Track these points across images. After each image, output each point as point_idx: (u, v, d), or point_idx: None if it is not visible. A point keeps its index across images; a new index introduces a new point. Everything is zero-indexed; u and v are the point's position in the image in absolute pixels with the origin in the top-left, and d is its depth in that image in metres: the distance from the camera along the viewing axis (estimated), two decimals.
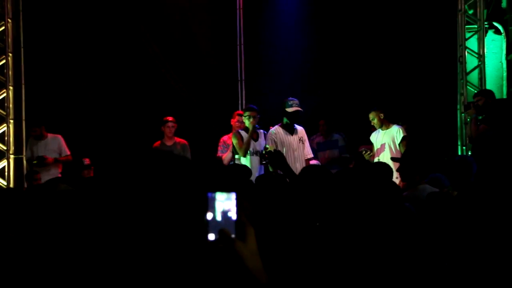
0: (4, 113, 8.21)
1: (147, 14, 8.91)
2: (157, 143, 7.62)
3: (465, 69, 8.09)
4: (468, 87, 8.04)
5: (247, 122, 6.77)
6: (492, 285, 2.38)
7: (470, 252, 2.46)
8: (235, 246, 1.31)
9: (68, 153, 7.74)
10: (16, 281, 2.19)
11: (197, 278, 1.29)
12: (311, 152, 6.93)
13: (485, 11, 8.27)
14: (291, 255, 2.40)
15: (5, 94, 8.23)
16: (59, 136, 7.79)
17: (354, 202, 2.55)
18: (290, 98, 6.68)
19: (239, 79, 8.78)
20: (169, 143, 7.62)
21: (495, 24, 8.55)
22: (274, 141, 6.57)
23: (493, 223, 2.50)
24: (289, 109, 6.62)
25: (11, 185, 8.08)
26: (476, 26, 8.20)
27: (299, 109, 6.64)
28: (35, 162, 7.58)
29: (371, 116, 7.08)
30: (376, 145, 7.06)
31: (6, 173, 8.15)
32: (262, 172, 6.61)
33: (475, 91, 7.46)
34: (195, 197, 1.30)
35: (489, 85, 8.04)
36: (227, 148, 7.19)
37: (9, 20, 8.27)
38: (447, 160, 7.07)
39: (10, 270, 2.21)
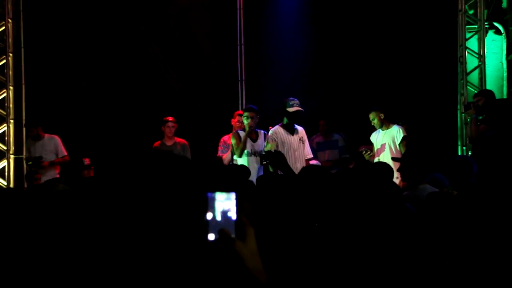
0: (4, 113, 8.21)
1: (147, 14, 8.91)
2: (157, 143, 7.62)
3: (465, 69, 8.08)
4: (468, 87, 8.04)
5: (245, 122, 6.77)
6: (492, 285, 2.38)
7: (470, 252, 2.46)
8: (235, 246, 1.31)
9: (65, 153, 7.70)
10: (16, 281, 2.19)
11: (197, 278, 1.29)
12: (311, 152, 6.93)
13: (486, 11, 8.26)
14: (291, 255, 2.40)
15: (5, 94, 8.23)
16: (56, 137, 7.76)
17: (354, 202, 2.55)
18: (291, 98, 6.68)
19: (239, 79, 8.78)
20: (169, 143, 7.62)
21: (496, 24, 8.55)
22: (275, 140, 6.56)
23: (493, 223, 2.50)
24: (290, 109, 6.60)
25: (11, 185, 8.08)
26: (476, 26, 8.19)
27: (300, 109, 6.63)
28: (30, 163, 7.55)
29: (371, 116, 7.07)
30: (376, 145, 7.05)
31: (6, 173, 8.15)
32: (261, 172, 6.61)
33: (475, 91, 7.46)
34: (195, 197, 1.30)
35: (489, 85, 8.04)
36: (227, 148, 7.19)
37: (9, 20, 8.27)
38: (447, 160, 7.06)
39: (10, 270, 2.21)
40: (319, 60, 8.79)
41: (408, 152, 5.38)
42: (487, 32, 8.38)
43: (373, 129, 7.22)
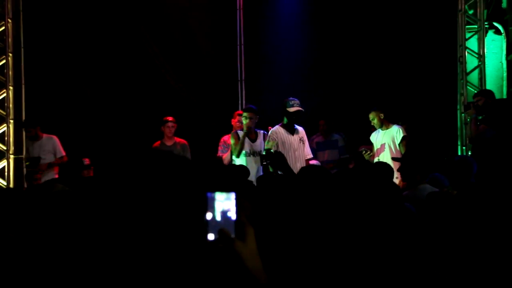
0: (4, 113, 8.21)
1: (147, 14, 8.91)
2: (157, 143, 7.62)
3: (465, 69, 8.09)
4: (468, 87, 8.04)
5: (244, 123, 6.78)
6: (492, 285, 2.37)
7: (470, 252, 2.46)
8: (234, 246, 1.31)
9: (63, 154, 7.66)
10: (15, 281, 2.19)
11: (197, 278, 1.28)
12: (311, 152, 6.93)
13: (485, 11, 8.27)
14: (291, 255, 2.40)
15: (5, 94, 8.23)
16: (54, 137, 7.73)
17: (354, 202, 2.55)
18: (291, 98, 6.67)
19: (239, 79, 8.78)
20: (169, 143, 7.62)
21: (495, 24, 8.55)
22: (275, 139, 6.55)
23: (493, 223, 2.49)
24: (291, 109, 6.60)
25: (11, 185, 8.08)
26: (476, 26, 8.20)
27: (301, 109, 6.63)
28: (27, 163, 7.53)
29: (371, 116, 7.08)
30: (376, 145, 7.05)
31: (6, 173, 8.15)
32: (260, 172, 6.61)
33: (475, 91, 7.46)
34: (194, 197, 1.30)
35: (489, 85, 8.04)
36: (227, 148, 7.19)
37: (9, 20, 8.27)
38: (447, 160, 7.06)
39: (10, 269, 2.21)
40: (319, 60, 8.79)
41: (408, 152, 5.38)
42: (487, 32, 8.38)
43: (373, 129, 7.22)
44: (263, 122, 7.05)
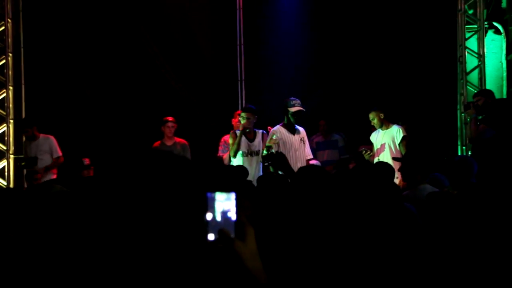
0: (4, 113, 8.22)
1: (147, 14, 8.91)
2: (157, 143, 7.62)
3: (465, 69, 8.09)
4: (468, 87, 8.04)
5: (241, 123, 6.78)
6: (492, 285, 2.37)
7: (470, 252, 2.46)
8: (234, 246, 1.31)
9: (60, 154, 7.60)
10: (15, 281, 2.19)
11: (197, 278, 1.28)
12: (311, 153, 6.92)
13: (485, 11, 8.27)
14: (291, 255, 2.40)
15: (5, 94, 8.24)
16: (51, 137, 7.69)
17: (354, 202, 2.55)
18: (292, 98, 6.66)
19: (239, 79, 8.78)
20: (169, 143, 7.61)
21: (495, 24, 8.56)
22: (276, 138, 6.54)
23: (493, 223, 2.49)
24: (292, 109, 6.58)
25: (11, 185, 8.08)
26: (476, 26, 8.20)
27: (302, 108, 6.61)
28: (23, 164, 7.49)
29: (371, 116, 7.07)
30: (376, 145, 7.05)
31: (6, 173, 8.15)
32: (258, 172, 6.61)
33: (475, 91, 7.46)
34: (194, 197, 1.30)
35: (489, 85, 8.05)
36: (227, 148, 7.19)
37: (9, 20, 8.28)
38: (447, 160, 7.07)
39: (9, 269, 2.21)
40: (319, 60, 8.79)
41: (409, 152, 5.38)
42: (486, 32, 8.38)
43: (373, 129, 7.22)
44: (263, 122, 7.05)
